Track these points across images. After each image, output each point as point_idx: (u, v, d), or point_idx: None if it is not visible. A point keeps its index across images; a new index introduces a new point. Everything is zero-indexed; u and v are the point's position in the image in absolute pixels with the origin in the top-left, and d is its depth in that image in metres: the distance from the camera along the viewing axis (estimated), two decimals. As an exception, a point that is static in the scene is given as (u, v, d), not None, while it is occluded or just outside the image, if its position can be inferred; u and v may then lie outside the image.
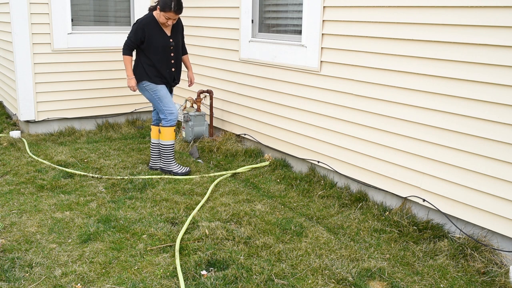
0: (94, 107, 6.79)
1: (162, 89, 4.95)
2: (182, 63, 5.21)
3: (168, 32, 4.94)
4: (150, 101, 5.07)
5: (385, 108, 4.14)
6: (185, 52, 5.27)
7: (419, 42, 3.81)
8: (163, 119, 5.01)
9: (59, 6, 6.25)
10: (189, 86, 5.36)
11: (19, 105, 6.30)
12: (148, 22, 4.84)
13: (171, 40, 4.93)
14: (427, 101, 3.81)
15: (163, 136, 5.01)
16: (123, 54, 4.86)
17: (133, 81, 4.91)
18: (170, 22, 4.80)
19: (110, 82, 6.76)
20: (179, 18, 4.99)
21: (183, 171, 5.05)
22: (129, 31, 4.90)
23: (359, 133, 4.41)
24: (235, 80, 5.90)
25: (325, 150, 4.79)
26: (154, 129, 5.16)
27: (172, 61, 4.98)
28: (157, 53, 4.87)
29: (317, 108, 4.81)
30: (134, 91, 4.97)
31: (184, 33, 6.67)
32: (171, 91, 5.18)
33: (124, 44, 4.87)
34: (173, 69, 5.00)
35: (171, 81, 5.04)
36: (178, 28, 5.03)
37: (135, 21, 4.96)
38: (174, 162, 5.10)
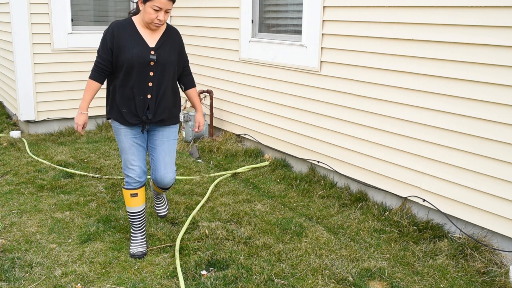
0: (94, 107, 6.77)
1: (125, 139, 3.34)
2: (176, 98, 3.45)
3: (151, 42, 3.26)
4: None
5: (385, 108, 4.14)
6: (191, 84, 3.57)
7: (419, 42, 3.81)
8: None
9: (59, 6, 6.25)
10: (196, 132, 3.64)
11: (19, 105, 6.30)
12: (121, 24, 3.25)
13: (152, 52, 3.22)
14: (427, 101, 3.81)
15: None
16: (88, 77, 3.30)
17: (82, 118, 3.28)
18: (161, 17, 3.14)
19: (110, 82, 6.76)
20: (176, 33, 3.39)
21: (134, 251, 3.46)
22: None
23: (359, 133, 4.41)
24: (235, 80, 5.90)
25: (325, 150, 4.79)
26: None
27: (150, 84, 3.25)
28: (128, 68, 3.21)
29: (317, 108, 4.81)
30: (80, 132, 3.31)
31: (184, 33, 6.70)
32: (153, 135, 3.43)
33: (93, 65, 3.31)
34: (148, 96, 3.27)
35: (142, 114, 3.28)
36: (170, 42, 3.32)
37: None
38: (138, 238, 3.51)
